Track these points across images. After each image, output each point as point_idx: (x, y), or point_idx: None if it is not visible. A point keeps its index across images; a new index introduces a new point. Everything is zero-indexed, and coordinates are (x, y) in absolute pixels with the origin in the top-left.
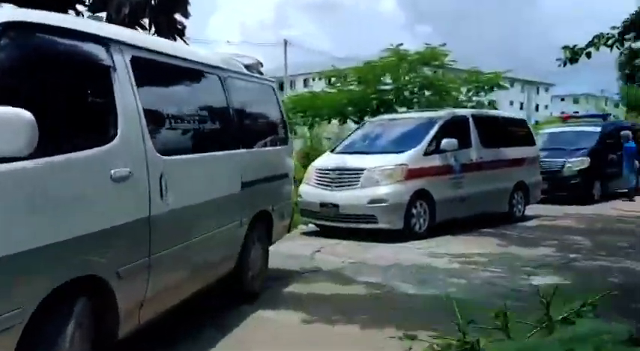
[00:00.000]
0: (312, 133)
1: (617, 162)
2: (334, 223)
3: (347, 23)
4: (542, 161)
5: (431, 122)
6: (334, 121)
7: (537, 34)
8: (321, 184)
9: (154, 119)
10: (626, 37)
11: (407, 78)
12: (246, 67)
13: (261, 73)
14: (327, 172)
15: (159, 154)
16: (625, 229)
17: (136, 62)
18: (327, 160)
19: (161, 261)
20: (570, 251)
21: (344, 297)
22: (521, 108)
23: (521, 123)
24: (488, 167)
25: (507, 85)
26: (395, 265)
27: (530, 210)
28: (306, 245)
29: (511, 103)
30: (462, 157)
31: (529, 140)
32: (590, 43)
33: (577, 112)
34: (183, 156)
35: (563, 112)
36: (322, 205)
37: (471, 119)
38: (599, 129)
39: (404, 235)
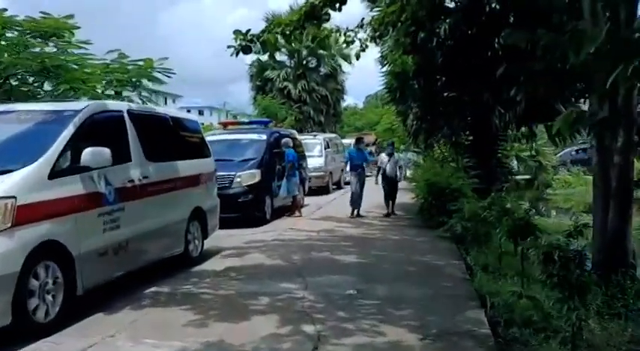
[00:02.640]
0: None
1: (283, 173)
2: None
3: None
4: None
5: (59, 119)
6: None
7: (163, 44)
8: None
9: None
10: (305, 24)
11: (16, 57)
12: None
13: None
14: None
15: None
16: (329, 263)
17: None
18: None
19: None
20: (300, 320)
21: None
22: None
23: (194, 127)
24: (156, 191)
25: (164, 78)
26: None
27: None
28: None
29: None
30: (118, 178)
31: (204, 150)
32: (265, 30)
33: (236, 117)
34: None
35: None
36: None
37: (127, 117)
38: (264, 137)
39: (17, 333)
